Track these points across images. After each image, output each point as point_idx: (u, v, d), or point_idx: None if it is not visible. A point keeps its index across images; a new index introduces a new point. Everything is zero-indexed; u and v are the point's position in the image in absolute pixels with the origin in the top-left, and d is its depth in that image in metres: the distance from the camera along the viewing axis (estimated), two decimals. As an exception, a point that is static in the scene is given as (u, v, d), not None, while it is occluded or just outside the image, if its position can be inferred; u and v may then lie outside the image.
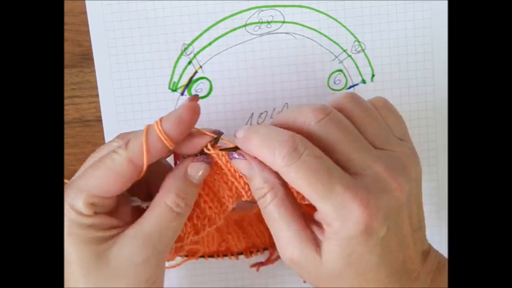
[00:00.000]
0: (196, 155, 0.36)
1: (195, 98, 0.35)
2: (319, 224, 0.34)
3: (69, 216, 0.34)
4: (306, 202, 0.35)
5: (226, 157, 0.36)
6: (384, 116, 0.36)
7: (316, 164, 0.32)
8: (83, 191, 0.33)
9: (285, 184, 0.34)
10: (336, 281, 0.34)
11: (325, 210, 0.32)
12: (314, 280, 0.35)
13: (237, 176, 0.36)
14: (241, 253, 0.45)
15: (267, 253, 0.46)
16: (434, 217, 0.46)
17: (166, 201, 0.35)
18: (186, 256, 0.43)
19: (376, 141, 0.35)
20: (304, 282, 0.42)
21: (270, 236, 0.44)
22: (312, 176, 0.32)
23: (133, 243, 0.34)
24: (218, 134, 0.36)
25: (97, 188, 0.34)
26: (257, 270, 0.46)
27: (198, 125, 0.36)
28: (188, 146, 0.36)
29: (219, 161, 0.36)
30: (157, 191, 0.36)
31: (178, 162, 0.38)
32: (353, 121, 0.34)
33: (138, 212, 0.36)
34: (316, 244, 0.33)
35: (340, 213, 0.32)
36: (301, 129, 0.34)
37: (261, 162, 0.34)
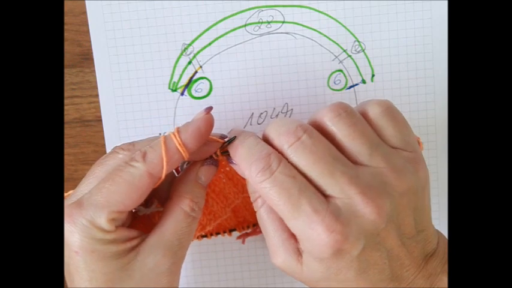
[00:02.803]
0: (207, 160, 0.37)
1: (210, 109, 0.36)
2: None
3: (91, 234, 0.33)
4: None
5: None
6: (378, 125, 0.35)
7: (287, 183, 0.32)
8: (104, 207, 0.33)
9: None
10: (321, 285, 0.35)
11: (294, 230, 0.33)
12: (304, 282, 0.36)
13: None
14: (233, 229, 0.45)
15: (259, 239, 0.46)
16: (434, 217, 0.46)
17: (183, 207, 0.35)
18: None
19: (358, 158, 0.34)
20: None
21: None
22: (282, 194, 0.32)
23: (155, 252, 0.34)
24: (227, 140, 0.36)
25: (119, 204, 0.33)
26: (242, 242, 0.46)
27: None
28: (198, 154, 0.36)
29: (224, 161, 0.37)
30: (156, 195, 0.36)
31: (177, 169, 0.38)
32: (332, 138, 0.34)
33: (140, 218, 0.36)
34: (299, 253, 0.34)
35: (308, 235, 0.32)
36: (278, 149, 0.34)
37: None
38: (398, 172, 0.34)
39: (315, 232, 0.32)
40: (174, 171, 0.39)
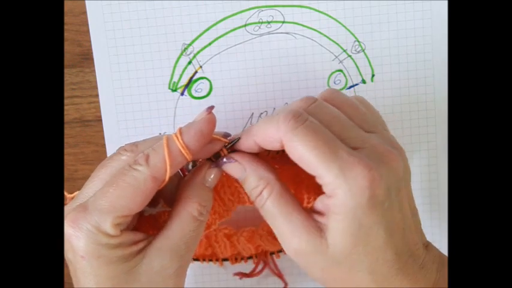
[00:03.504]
0: (210, 160, 0.37)
1: (211, 108, 0.36)
2: (319, 212, 0.34)
3: (96, 239, 0.33)
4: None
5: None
6: (362, 108, 0.37)
7: (321, 129, 0.32)
8: (109, 212, 0.33)
9: (280, 180, 0.35)
10: (344, 268, 0.34)
11: (328, 178, 0.32)
12: (321, 271, 0.35)
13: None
14: (226, 259, 0.45)
15: (250, 263, 0.46)
16: (434, 217, 0.47)
17: (191, 211, 0.35)
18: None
19: (364, 126, 0.35)
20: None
21: (257, 250, 0.44)
22: (318, 138, 0.32)
23: (162, 256, 0.34)
24: (232, 141, 0.36)
25: (123, 209, 0.33)
26: (240, 278, 0.46)
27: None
28: (202, 152, 0.36)
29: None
30: (162, 196, 0.36)
31: (183, 170, 0.38)
32: (339, 109, 0.35)
33: (145, 218, 0.36)
34: (321, 230, 0.33)
35: (345, 178, 0.31)
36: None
37: (252, 161, 0.35)
38: (397, 144, 0.36)
39: (353, 172, 0.31)
40: (179, 171, 0.39)
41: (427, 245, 0.37)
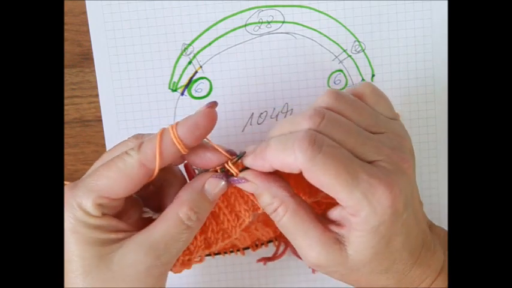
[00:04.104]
0: (216, 170, 0.36)
1: (213, 104, 0.35)
2: (337, 222, 0.34)
3: (76, 215, 0.33)
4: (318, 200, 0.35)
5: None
6: (371, 101, 0.36)
7: (338, 153, 0.32)
8: (93, 191, 0.33)
9: (294, 195, 0.34)
10: (363, 272, 0.34)
11: (352, 202, 0.32)
12: (341, 276, 0.35)
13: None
14: (247, 247, 0.45)
15: (271, 247, 0.46)
16: (434, 217, 0.46)
17: (179, 213, 0.34)
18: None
19: (371, 129, 0.35)
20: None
21: (275, 232, 0.44)
22: (339, 165, 0.31)
23: (137, 250, 0.33)
24: (238, 155, 0.35)
25: (107, 189, 0.33)
26: (264, 264, 0.46)
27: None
28: (202, 160, 0.35)
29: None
30: (169, 202, 0.35)
31: (191, 177, 0.38)
32: (345, 117, 0.34)
33: (149, 222, 0.36)
34: (339, 242, 0.33)
35: (368, 201, 0.32)
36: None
37: (265, 179, 0.34)
38: (403, 136, 0.36)
39: (376, 195, 0.31)
40: (187, 177, 0.38)
41: (431, 225, 0.38)
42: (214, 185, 0.35)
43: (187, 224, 0.34)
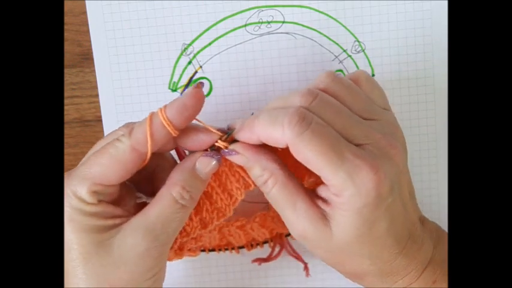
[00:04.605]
0: (206, 149, 0.36)
1: (199, 85, 0.35)
2: (324, 199, 0.34)
3: (71, 203, 0.34)
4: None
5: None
6: (366, 89, 0.37)
7: (326, 132, 0.32)
8: (87, 178, 0.34)
9: (284, 167, 0.35)
10: (345, 253, 0.35)
11: (336, 181, 0.32)
12: (325, 252, 0.36)
13: (241, 167, 0.37)
14: (242, 247, 0.46)
15: (267, 248, 0.46)
16: (434, 217, 0.46)
17: (172, 193, 0.35)
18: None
19: (363, 114, 0.35)
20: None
21: (271, 233, 0.44)
22: (324, 144, 0.32)
23: (136, 232, 0.34)
24: (228, 130, 0.36)
25: (100, 176, 0.34)
26: (259, 264, 0.46)
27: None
28: (194, 141, 0.36)
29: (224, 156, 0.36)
30: (162, 184, 0.36)
31: (182, 159, 0.38)
32: (339, 99, 0.35)
33: (144, 207, 0.36)
34: (325, 218, 0.34)
35: (352, 181, 0.32)
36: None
37: (255, 152, 0.35)
38: (396, 126, 0.36)
39: (360, 175, 0.32)
40: (178, 161, 0.39)
41: (423, 220, 0.38)
42: (206, 164, 0.36)
43: (181, 203, 0.35)
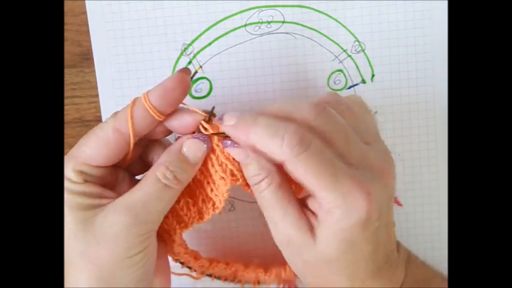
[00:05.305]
0: (193, 132, 0.36)
1: (185, 70, 0.36)
2: (313, 212, 0.35)
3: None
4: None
5: (220, 143, 0.36)
6: (360, 115, 0.37)
7: (323, 156, 0.33)
8: (72, 158, 0.35)
9: (280, 172, 0.35)
10: (325, 269, 0.35)
11: (329, 199, 0.33)
12: (303, 264, 0.36)
13: (232, 159, 0.36)
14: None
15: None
16: (434, 217, 0.47)
17: (156, 172, 0.35)
18: (195, 271, 0.44)
19: (364, 137, 0.36)
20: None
21: (278, 276, 0.45)
22: (320, 167, 0.32)
23: (117, 211, 0.34)
24: (210, 110, 0.36)
25: (85, 156, 0.35)
26: None
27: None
28: (180, 122, 0.36)
29: (212, 143, 0.36)
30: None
31: None
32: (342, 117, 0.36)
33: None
34: (311, 229, 0.34)
35: (344, 201, 0.32)
36: (300, 123, 0.34)
37: (256, 150, 0.35)
38: (389, 156, 0.37)
39: (352, 197, 0.32)
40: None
41: (398, 244, 0.39)
42: (193, 147, 0.36)
43: (164, 182, 0.35)
